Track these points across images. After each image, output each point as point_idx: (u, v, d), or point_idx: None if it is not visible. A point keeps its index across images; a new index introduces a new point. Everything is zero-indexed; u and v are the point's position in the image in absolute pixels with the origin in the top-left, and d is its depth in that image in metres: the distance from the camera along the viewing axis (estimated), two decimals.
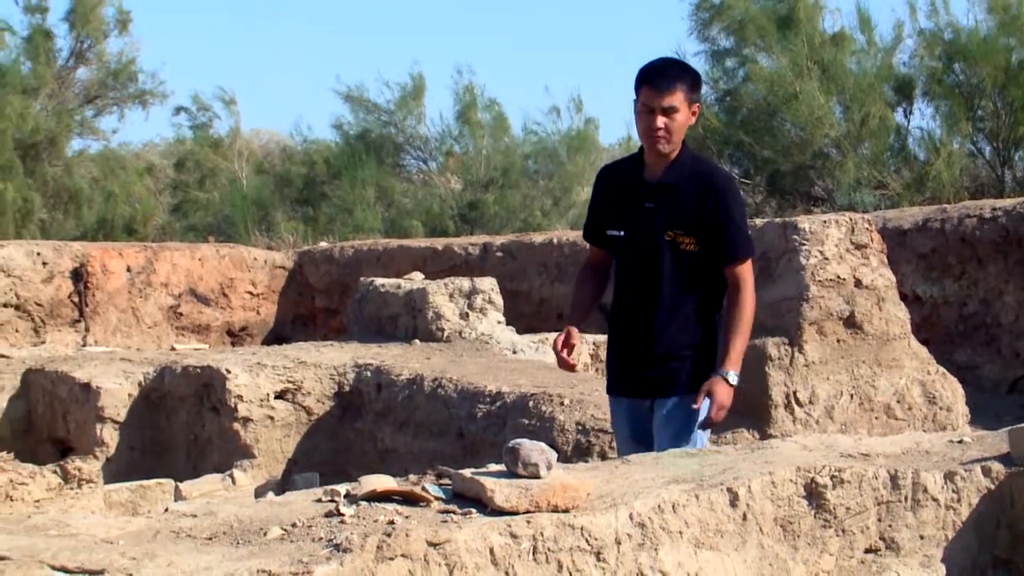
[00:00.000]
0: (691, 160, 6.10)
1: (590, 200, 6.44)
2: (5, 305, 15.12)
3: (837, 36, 20.67)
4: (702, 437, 6.12)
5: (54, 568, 3.40)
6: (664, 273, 5.93)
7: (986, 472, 4.71)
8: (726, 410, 5.97)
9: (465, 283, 11.57)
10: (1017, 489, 4.64)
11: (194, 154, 29.78)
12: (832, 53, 20.22)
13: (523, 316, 14.23)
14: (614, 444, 8.21)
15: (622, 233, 6.05)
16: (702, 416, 5.97)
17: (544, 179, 26.12)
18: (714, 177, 6.17)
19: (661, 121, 5.83)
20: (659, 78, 5.90)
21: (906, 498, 4.60)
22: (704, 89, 21.59)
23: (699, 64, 21.80)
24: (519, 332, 11.66)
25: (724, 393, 5.93)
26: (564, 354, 6.04)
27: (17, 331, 15.15)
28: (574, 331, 6.07)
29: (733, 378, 6.00)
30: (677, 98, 5.86)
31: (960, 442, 5.26)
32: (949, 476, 4.67)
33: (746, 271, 6.06)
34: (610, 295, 6.30)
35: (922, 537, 4.60)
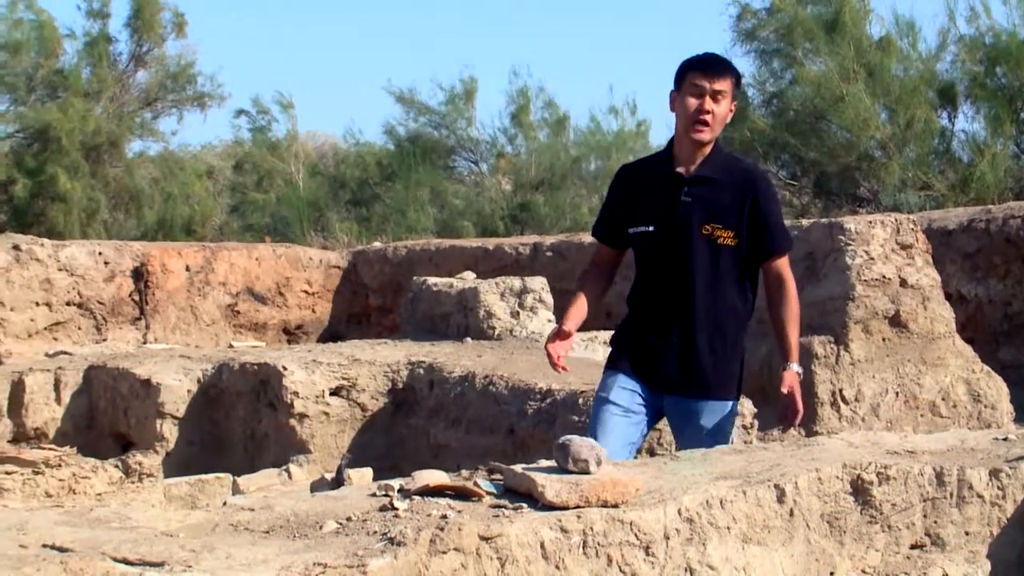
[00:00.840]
0: (724, 155, 6.06)
1: (607, 197, 6.27)
2: (68, 304, 15.21)
3: (883, 41, 20.58)
4: (733, 437, 6.12)
5: (116, 560, 3.41)
6: (699, 267, 5.85)
7: None
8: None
9: (516, 282, 11.54)
10: None
11: (252, 156, 29.88)
12: (878, 58, 20.15)
13: None
14: (664, 440, 8.21)
15: (651, 228, 5.92)
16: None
17: (594, 179, 26.05)
18: (754, 172, 6.16)
19: (710, 104, 5.76)
20: (711, 64, 5.85)
21: (951, 495, 4.58)
22: (751, 92, 21.60)
23: (746, 66, 21.78)
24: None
25: (798, 387, 5.95)
26: (560, 360, 5.96)
27: (80, 329, 15.24)
28: (570, 337, 5.99)
29: (800, 370, 6.03)
30: (727, 84, 5.81)
31: (1005, 439, 5.23)
32: (994, 473, 4.64)
33: (787, 265, 6.05)
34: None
35: (967, 533, 4.57)
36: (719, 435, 5.96)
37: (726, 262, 5.89)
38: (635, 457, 6.00)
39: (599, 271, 6.25)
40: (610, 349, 6.30)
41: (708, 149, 5.90)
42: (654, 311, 5.99)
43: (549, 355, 5.98)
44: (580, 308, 6.10)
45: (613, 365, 6.14)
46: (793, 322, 6.01)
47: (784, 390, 5.90)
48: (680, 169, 5.91)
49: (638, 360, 6.03)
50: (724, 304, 5.94)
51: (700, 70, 5.81)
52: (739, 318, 6.03)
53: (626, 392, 6.01)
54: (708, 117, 5.77)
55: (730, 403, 6.06)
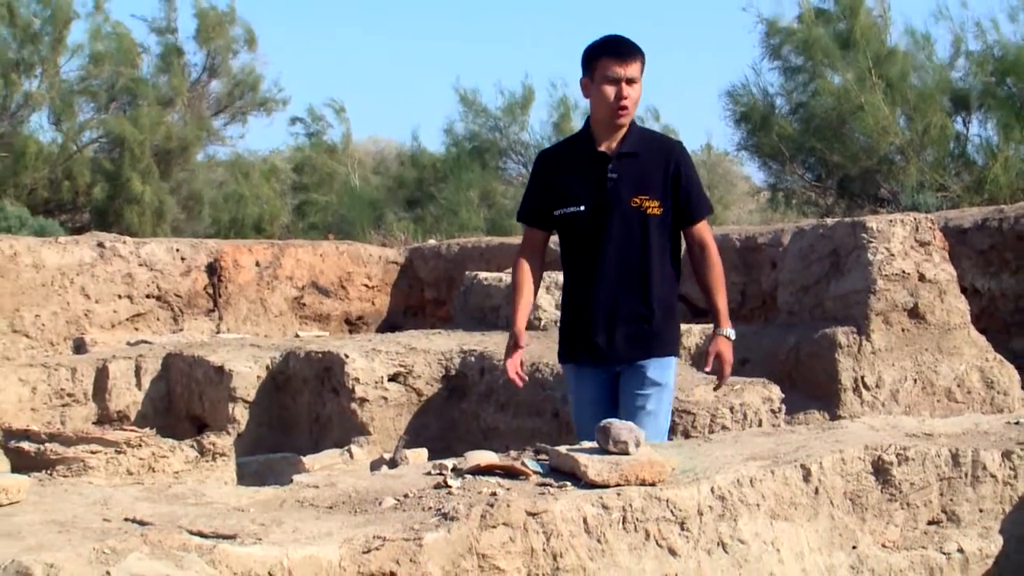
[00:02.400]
0: (640, 130, 5.93)
1: (529, 185, 6.09)
2: (148, 296, 15.30)
3: (898, 53, 20.51)
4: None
5: (191, 533, 3.43)
6: (634, 239, 5.74)
7: None
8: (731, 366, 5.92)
9: (560, 276, 11.53)
10: None
11: (311, 160, 29.94)
12: (895, 69, 20.10)
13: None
14: (698, 424, 8.18)
15: (582, 208, 5.78)
16: (707, 371, 5.96)
17: None
18: (673, 143, 6.06)
19: (626, 91, 5.66)
20: (621, 49, 5.73)
21: (966, 475, 4.55)
22: (779, 100, 21.56)
23: (774, 78, 21.74)
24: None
25: (729, 351, 5.88)
26: (516, 379, 5.88)
27: (159, 319, 15.32)
28: (520, 351, 5.89)
29: (732, 334, 5.94)
30: (637, 69, 5.71)
31: (1017, 423, 5.19)
32: (1006, 455, 4.62)
33: (708, 229, 5.96)
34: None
35: (981, 510, 4.55)
36: (666, 389, 5.91)
37: (655, 231, 5.78)
38: None
39: (534, 257, 6.06)
40: (559, 341, 6.15)
41: (624, 128, 5.80)
42: (590, 290, 5.83)
43: (507, 371, 5.91)
44: (527, 305, 6.01)
45: (569, 358, 6.04)
46: (719, 286, 5.92)
47: (712, 355, 5.84)
48: (602, 148, 5.79)
49: (583, 345, 5.89)
50: (659, 271, 5.81)
51: (611, 57, 5.69)
52: (673, 282, 5.92)
53: (587, 383, 5.94)
54: (627, 102, 5.67)
55: (674, 358, 5.97)
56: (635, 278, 5.78)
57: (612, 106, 5.68)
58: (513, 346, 5.92)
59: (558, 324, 6.29)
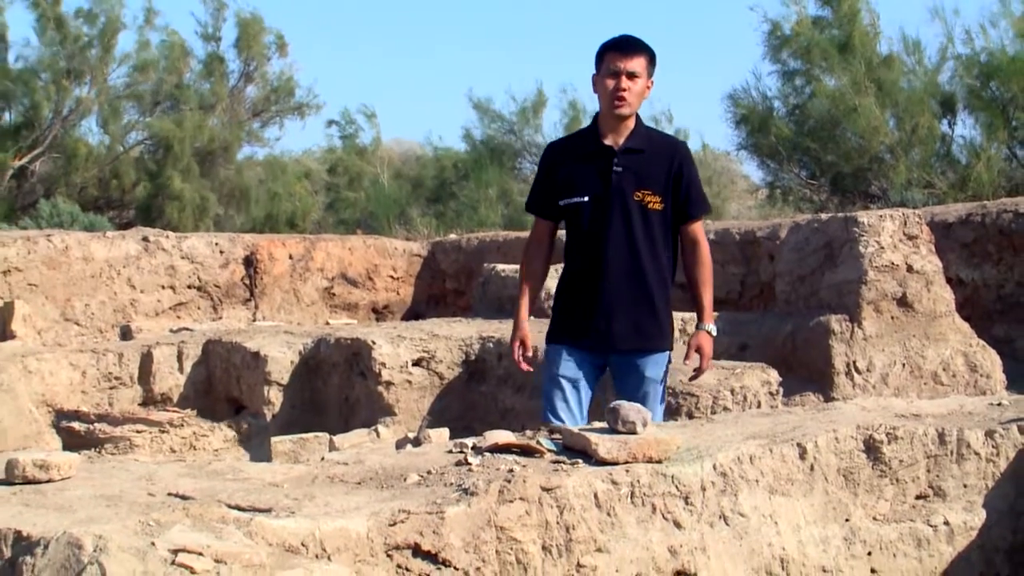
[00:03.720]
0: (646, 129, 5.87)
1: (539, 174, 5.99)
2: (189, 287, 15.33)
3: (890, 58, 20.47)
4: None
5: (230, 506, 3.43)
6: (633, 231, 5.68)
7: (1022, 430, 4.64)
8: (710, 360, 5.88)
9: None
10: None
11: (343, 160, 29.98)
12: (886, 73, 20.07)
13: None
14: (701, 405, 8.16)
15: (586, 199, 5.72)
16: (690, 367, 5.94)
17: None
18: (677, 142, 6.04)
19: (625, 83, 5.60)
20: (625, 45, 5.67)
21: (952, 452, 4.54)
22: (776, 103, 21.51)
23: (772, 82, 21.71)
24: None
25: (710, 346, 5.84)
26: (524, 364, 5.85)
27: (199, 308, 15.35)
28: (527, 337, 5.86)
29: (714, 330, 5.92)
30: (640, 64, 5.64)
31: (999, 405, 5.18)
32: (989, 434, 4.60)
33: (702, 228, 5.91)
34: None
35: (965, 486, 4.54)
36: (662, 383, 5.89)
37: (655, 225, 5.72)
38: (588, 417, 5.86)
39: (542, 246, 5.99)
40: (554, 322, 6.04)
41: (632, 123, 5.74)
42: (593, 277, 5.75)
43: (518, 363, 5.87)
44: (534, 295, 5.98)
45: (556, 339, 5.92)
46: (707, 283, 5.87)
47: (693, 349, 5.80)
48: (608, 142, 5.73)
49: (580, 329, 5.81)
50: (656, 264, 5.76)
51: (616, 51, 5.65)
52: (668, 275, 5.86)
53: (572, 364, 5.82)
54: (625, 94, 5.60)
55: (668, 353, 5.92)
56: (636, 269, 5.72)
57: (611, 95, 5.63)
58: (517, 333, 5.88)
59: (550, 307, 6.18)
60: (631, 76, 5.62)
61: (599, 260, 5.73)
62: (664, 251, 5.79)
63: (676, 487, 3.97)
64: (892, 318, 9.79)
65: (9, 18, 23.88)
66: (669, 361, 5.94)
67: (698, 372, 5.91)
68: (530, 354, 5.87)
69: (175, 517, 3.28)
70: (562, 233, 6.04)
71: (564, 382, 5.82)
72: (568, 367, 5.83)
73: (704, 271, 5.87)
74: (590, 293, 5.76)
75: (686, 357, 5.86)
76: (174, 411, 10.34)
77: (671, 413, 8.10)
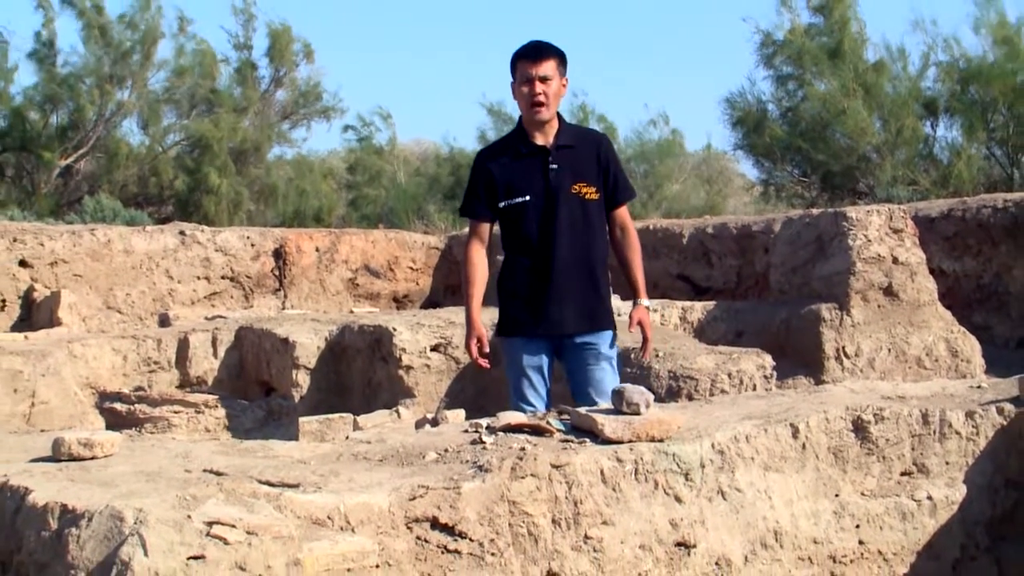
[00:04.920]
0: (569, 125, 5.83)
1: (473, 183, 5.82)
2: (223, 277, 15.35)
3: (877, 64, 20.44)
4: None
5: (261, 482, 3.44)
6: (577, 222, 5.64)
7: (1000, 411, 4.63)
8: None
9: None
10: None
11: (362, 160, 29.98)
12: (873, 78, 20.05)
13: (624, 286, 14.14)
14: (699, 390, 8.15)
15: (528, 198, 5.65)
16: (632, 332, 5.89)
17: (640, 178, 25.89)
18: (600, 136, 6.02)
19: (539, 88, 5.54)
20: (533, 52, 5.61)
21: (935, 432, 4.53)
22: (770, 107, 21.49)
23: (766, 86, 21.68)
24: (622, 299, 11.60)
25: (648, 318, 5.84)
26: (481, 360, 5.74)
27: (232, 297, 15.37)
28: (483, 335, 5.74)
29: (649, 304, 5.93)
30: (550, 67, 5.58)
31: (978, 387, 5.16)
32: (970, 414, 4.59)
33: (627, 212, 5.91)
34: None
35: (947, 463, 4.53)
36: (615, 358, 5.86)
37: (593, 214, 5.71)
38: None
39: (483, 245, 5.84)
40: (498, 319, 5.93)
41: (556, 123, 5.70)
42: (542, 269, 5.69)
43: (473, 360, 5.78)
44: (480, 293, 5.82)
45: (511, 331, 5.84)
46: (638, 262, 5.86)
47: (635, 323, 5.76)
48: (540, 142, 5.68)
49: (535, 318, 5.73)
50: (596, 250, 5.74)
51: (526, 59, 5.60)
52: (606, 259, 5.83)
53: (532, 353, 5.77)
54: (541, 98, 5.56)
55: (612, 331, 5.87)
56: (581, 257, 5.69)
57: (529, 102, 5.59)
58: (473, 332, 5.78)
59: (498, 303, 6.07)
60: (544, 80, 5.57)
61: (547, 252, 5.68)
62: (601, 237, 5.79)
63: (677, 464, 3.97)
64: (879, 306, 9.78)
65: (58, 27, 23.79)
66: (615, 337, 5.91)
67: (645, 344, 5.87)
68: (487, 350, 5.78)
69: (209, 492, 3.28)
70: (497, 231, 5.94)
71: (530, 371, 5.79)
72: (530, 357, 5.78)
73: (634, 252, 5.87)
74: (540, 284, 5.71)
75: (629, 328, 5.83)
76: (209, 393, 10.37)
77: (672, 395, 8.10)
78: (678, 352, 8.60)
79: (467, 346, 5.82)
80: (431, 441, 4.10)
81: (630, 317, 5.83)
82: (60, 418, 8.88)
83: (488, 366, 5.82)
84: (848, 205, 13.23)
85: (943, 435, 4.54)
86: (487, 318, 5.93)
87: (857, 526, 4.32)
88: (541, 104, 5.59)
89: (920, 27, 20.74)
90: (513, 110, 27.28)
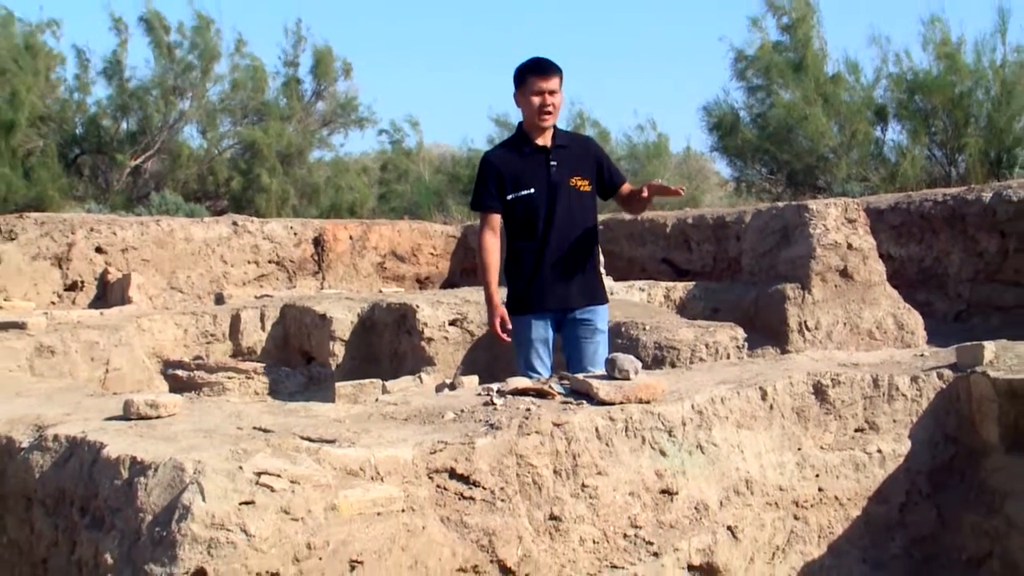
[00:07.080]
0: (562, 131, 5.84)
1: (483, 180, 5.75)
2: (269, 262, 15.37)
3: (835, 77, 20.36)
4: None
5: (302, 438, 3.43)
6: (574, 210, 5.69)
7: (940, 376, 4.61)
8: None
9: None
10: (962, 387, 4.54)
11: (392, 161, 29.97)
12: (831, 88, 19.99)
13: (617, 268, 14.19)
14: (680, 358, 8.13)
15: (533, 190, 5.66)
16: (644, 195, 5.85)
17: (630, 176, 25.76)
18: (587, 138, 6.17)
19: (549, 100, 5.58)
20: (544, 68, 5.62)
21: (884, 394, 4.52)
22: (742, 113, 21.42)
23: (739, 95, 21.61)
24: (615, 280, 11.61)
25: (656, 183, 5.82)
26: (504, 336, 5.75)
27: (277, 279, 15.39)
28: (505, 314, 5.73)
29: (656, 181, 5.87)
30: (557, 82, 5.62)
31: (921, 356, 5.14)
32: (914, 379, 4.57)
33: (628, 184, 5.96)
34: None
35: (895, 421, 4.51)
36: (607, 332, 5.90)
37: (587, 203, 5.76)
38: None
39: (495, 235, 5.78)
40: (507, 299, 5.89)
41: (551, 128, 5.74)
42: (543, 253, 5.71)
43: (497, 336, 5.78)
44: (497, 276, 5.78)
45: (522, 310, 5.81)
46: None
47: (649, 186, 5.66)
48: (540, 143, 5.71)
49: (541, 297, 5.74)
50: (592, 234, 5.79)
51: (537, 74, 5.60)
52: (597, 242, 5.90)
53: (540, 328, 5.77)
54: (550, 108, 5.60)
55: (607, 306, 5.94)
56: (580, 240, 5.73)
57: (538, 111, 5.61)
58: (494, 312, 5.78)
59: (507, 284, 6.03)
60: (552, 93, 5.61)
61: (550, 237, 5.70)
62: (593, 223, 5.83)
63: (662, 423, 3.96)
64: (835, 286, 9.77)
65: (129, 46, 23.84)
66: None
67: (664, 188, 5.69)
68: (509, 327, 5.78)
69: (258, 446, 3.28)
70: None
71: (537, 344, 5.79)
72: (539, 332, 5.79)
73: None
74: (546, 265, 5.73)
75: (643, 192, 5.73)
76: (258, 361, 10.38)
77: (657, 363, 8.09)
78: (662, 326, 8.59)
79: (491, 324, 5.83)
80: (449, 403, 4.09)
81: (642, 187, 5.77)
82: (130, 383, 8.90)
83: (509, 340, 5.82)
84: (809, 199, 13.20)
85: (891, 397, 4.53)
86: (500, 298, 5.93)
87: (817, 475, 4.31)
88: (549, 113, 5.63)
89: (876, 42, 20.67)
90: (513, 119, 27.35)
